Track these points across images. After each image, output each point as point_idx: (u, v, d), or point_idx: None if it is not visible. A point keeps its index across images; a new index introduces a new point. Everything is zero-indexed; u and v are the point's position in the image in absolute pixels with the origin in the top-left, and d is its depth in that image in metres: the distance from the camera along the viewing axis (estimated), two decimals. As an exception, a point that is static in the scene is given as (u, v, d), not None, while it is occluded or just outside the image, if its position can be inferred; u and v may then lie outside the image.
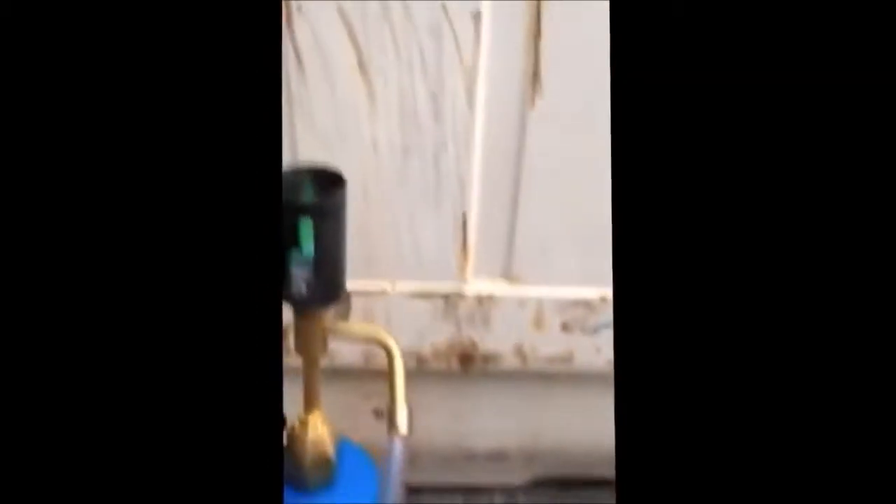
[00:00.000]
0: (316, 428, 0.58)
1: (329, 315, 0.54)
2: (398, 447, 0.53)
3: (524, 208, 0.66)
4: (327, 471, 0.59)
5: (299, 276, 0.49)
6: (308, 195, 0.49)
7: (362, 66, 0.59)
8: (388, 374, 0.55)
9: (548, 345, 0.73)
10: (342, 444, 0.60)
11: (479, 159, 0.64)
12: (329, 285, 0.52)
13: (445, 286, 0.69)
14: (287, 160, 0.63)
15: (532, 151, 0.63)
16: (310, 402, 0.58)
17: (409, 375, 0.77)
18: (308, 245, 0.48)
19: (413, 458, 0.86)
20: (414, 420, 0.80)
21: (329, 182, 0.50)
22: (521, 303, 0.70)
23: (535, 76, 0.59)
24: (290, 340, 0.67)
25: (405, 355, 0.74)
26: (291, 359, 0.70)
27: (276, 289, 0.37)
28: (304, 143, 0.62)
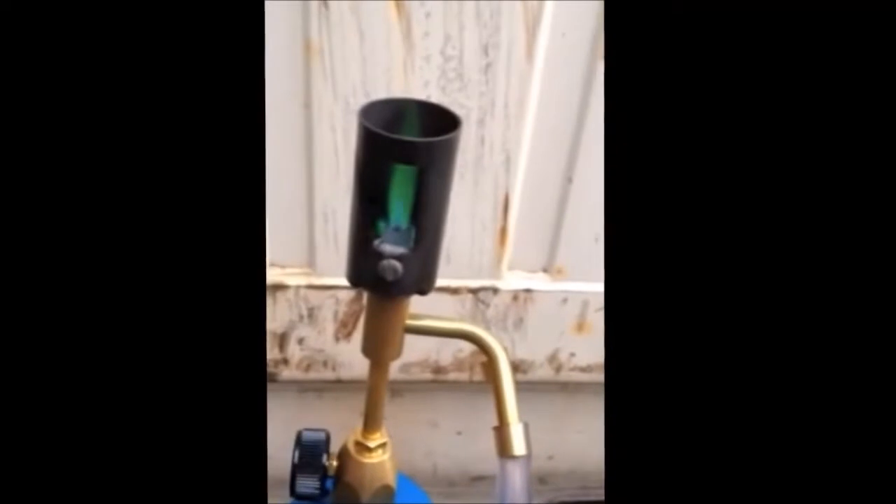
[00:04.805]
0: (377, 452, 0.44)
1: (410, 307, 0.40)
2: (517, 472, 0.40)
3: (578, 189, 0.57)
4: (386, 508, 0.45)
5: (390, 250, 0.35)
6: (411, 133, 0.33)
7: (400, 7, 0.48)
8: (493, 381, 0.41)
9: (587, 351, 0.64)
10: (397, 477, 0.47)
11: (530, 127, 0.54)
12: (427, 265, 0.37)
13: (476, 279, 0.59)
14: (301, 117, 0.52)
15: (595, 120, 0.53)
16: (372, 420, 0.44)
17: (421, 388, 0.67)
18: (406, 205, 0.34)
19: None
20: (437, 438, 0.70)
21: (437, 121, 0.34)
22: (564, 301, 0.60)
23: (610, 25, 0.50)
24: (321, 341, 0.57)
25: (419, 365, 0.64)
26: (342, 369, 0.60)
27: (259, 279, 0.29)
28: (320, 99, 0.51)
